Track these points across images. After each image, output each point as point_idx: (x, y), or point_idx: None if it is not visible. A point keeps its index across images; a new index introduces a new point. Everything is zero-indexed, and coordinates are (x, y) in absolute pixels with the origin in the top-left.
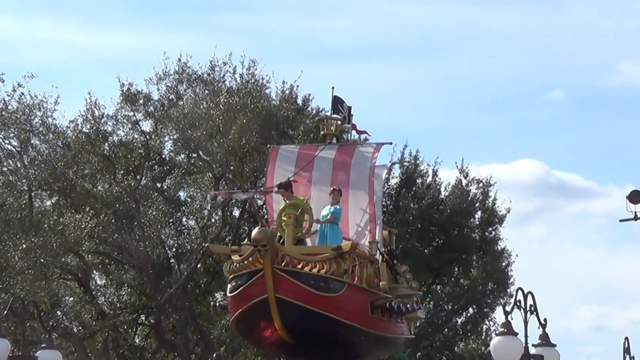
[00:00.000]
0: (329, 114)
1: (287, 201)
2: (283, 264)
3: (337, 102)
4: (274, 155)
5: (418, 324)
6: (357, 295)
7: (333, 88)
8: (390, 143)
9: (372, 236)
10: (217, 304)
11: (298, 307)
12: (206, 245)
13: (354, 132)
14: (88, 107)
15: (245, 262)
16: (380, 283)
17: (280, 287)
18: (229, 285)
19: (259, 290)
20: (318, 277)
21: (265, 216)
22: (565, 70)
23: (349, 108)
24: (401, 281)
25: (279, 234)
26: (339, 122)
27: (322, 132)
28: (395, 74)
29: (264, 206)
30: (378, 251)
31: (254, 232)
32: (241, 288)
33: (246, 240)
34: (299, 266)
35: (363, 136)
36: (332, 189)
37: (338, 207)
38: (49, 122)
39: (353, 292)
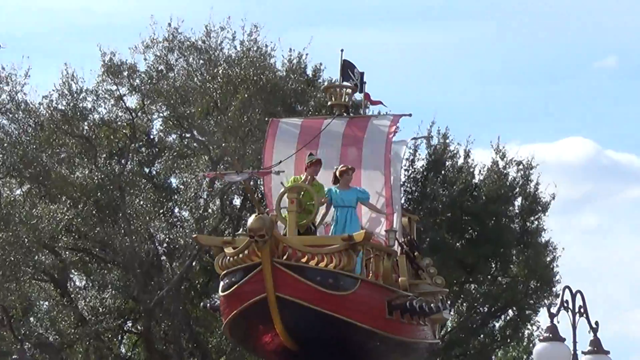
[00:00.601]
0: (338, 81)
1: (307, 181)
2: (284, 257)
3: (347, 67)
4: (273, 129)
5: (445, 328)
6: (371, 294)
7: (342, 51)
8: (410, 115)
9: (389, 224)
10: (209, 304)
11: (302, 308)
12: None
13: (367, 102)
14: (64, 80)
15: (241, 255)
16: (399, 279)
17: (282, 284)
18: (221, 283)
19: (257, 289)
20: (326, 273)
21: (264, 202)
22: (619, 34)
23: (362, 74)
24: (424, 277)
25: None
26: (350, 91)
27: (329, 103)
28: (419, 40)
29: (262, 190)
30: (396, 242)
31: (250, 220)
32: (236, 286)
33: (242, 230)
34: (303, 260)
35: (378, 107)
36: (343, 167)
37: (363, 189)
38: (19, 98)
39: (367, 290)
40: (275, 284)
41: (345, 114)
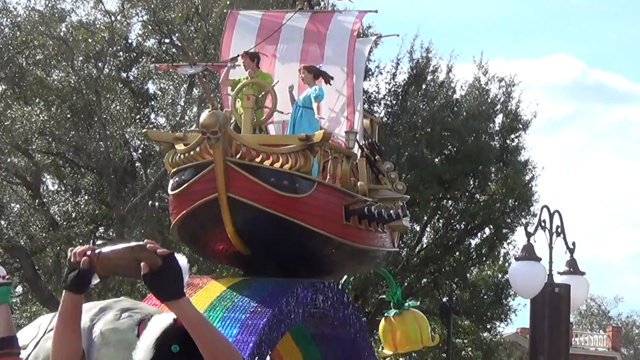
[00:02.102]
0: None
1: (249, 77)
2: (238, 156)
3: None
4: (231, 22)
5: (421, 244)
6: (328, 197)
7: None
8: (376, 11)
9: (350, 125)
10: (157, 203)
11: (255, 210)
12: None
13: None
14: None
15: (192, 152)
16: (358, 183)
17: (234, 184)
18: (170, 181)
19: (208, 188)
20: (281, 174)
21: (220, 98)
22: None
23: None
24: (384, 182)
25: (233, 119)
26: None
27: None
28: None
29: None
30: (357, 144)
31: (203, 115)
32: (185, 185)
33: (194, 126)
34: (258, 159)
35: (343, 2)
36: (302, 66)
37: (319, 87)
38: None
39: (324, 193)
40: (227, 183)
41: (308, 8)
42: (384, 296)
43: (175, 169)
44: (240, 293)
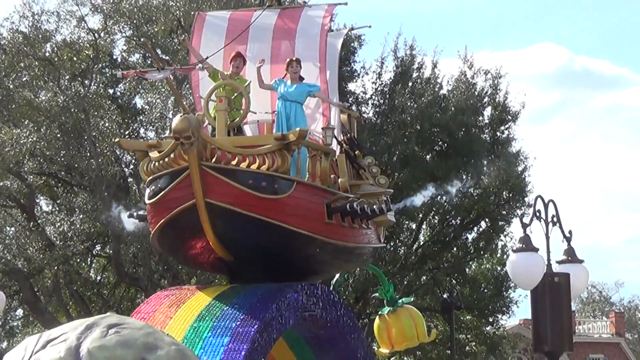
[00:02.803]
0: None
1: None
2: (213, 160)
3: None
4: (199, 23)
5: (418, 242)
6: (308, 196)
7: None
8: (346, 3)
9: (326, 120)
10: (135, 213)
11: (234, 214)
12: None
13: None
14: (25, 1)
15: (166, 159)
16: (339, 180)
17: (211, 189)
18: (147, 190)
19: (185, 195)
20: (258, 175)
21: (193, 102)
22: None
23: None
24: (365, 176)
25: (207, 122)
26: None
27: None
28: None
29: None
30: (335, 139)
31: (175, 120)
32: (162, 193)
33: (168, 132)
34: (234, 162)
35: None
36: (289, 59)
37: (313, 83)
38: None
39: (304, 193)
40: (204, 189)
41: (277, 4)
42: (377, 294)
43: (150, 177)
44: (229, 301)
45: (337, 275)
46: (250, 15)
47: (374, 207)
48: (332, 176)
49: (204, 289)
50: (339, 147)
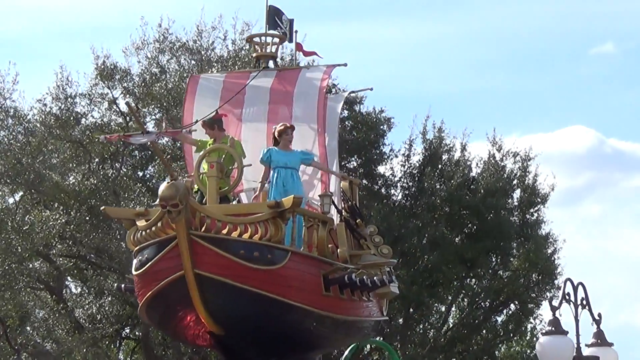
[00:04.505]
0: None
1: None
2: (203, 229)
3: (273, 14)
4: (192, 86)
5: (447, 325)
6: (304, 267)
7: None
8: (346, 65)
9: (324, 187)
10: (123, 285)
11: (225, 286)
12: None
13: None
14: (59, 83)
15: (153, 228)
16: (338, 250)
17: (201, 259)
18: (134, 261)
19: (173, 266)
20: (250, 245)
21: (185, 168)
22: (615, 19)
23: (291, 22)
24: (367, 246)
25: (197, 189)
26: (277, 40)
27: (254, 54)
28: (411, 30)
29: (183, 155)
30: (333, 207)
31: (161, 187)
32: (149, 263)
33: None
34: (224, 231)
35: (311, 58)
36: (282, 126)
37: (306, 151)
38: (7, 104)
39: (299, 263)
40: (193, 259)
41: (273, 67)
42: None
43: (137, 247)
44: None
45: (347, 352)
46: (245, 77)
47: (375, 278)
48: (330, 246)
49: None
50: (338, 216)
